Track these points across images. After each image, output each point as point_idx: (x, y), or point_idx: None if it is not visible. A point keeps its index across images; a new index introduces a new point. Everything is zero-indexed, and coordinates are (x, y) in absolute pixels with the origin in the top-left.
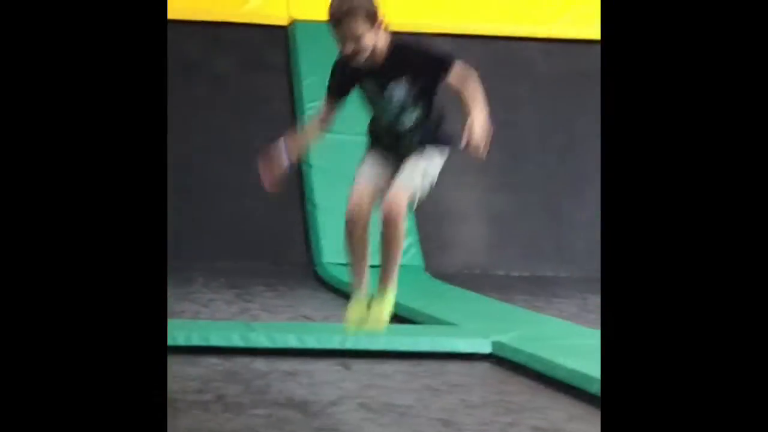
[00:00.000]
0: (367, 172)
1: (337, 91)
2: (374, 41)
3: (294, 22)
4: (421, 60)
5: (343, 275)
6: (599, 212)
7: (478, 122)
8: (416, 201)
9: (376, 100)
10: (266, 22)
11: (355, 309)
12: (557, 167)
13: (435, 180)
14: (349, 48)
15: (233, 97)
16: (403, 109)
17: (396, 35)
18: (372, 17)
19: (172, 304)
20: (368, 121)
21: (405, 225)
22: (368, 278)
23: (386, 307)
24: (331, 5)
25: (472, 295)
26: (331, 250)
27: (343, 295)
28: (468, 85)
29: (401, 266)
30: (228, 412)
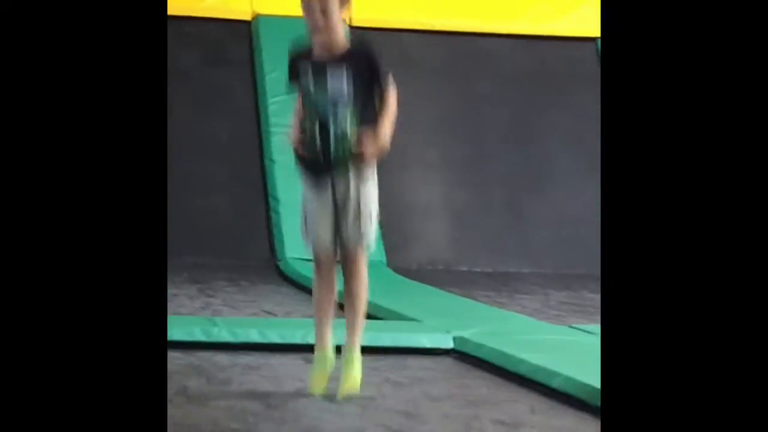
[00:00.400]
0: (314, 215)
1: (296, 80)
2: (339, 22)
3: (257, 17)
4: (369, 57)
5: (305, 270)
6: (562, 208)
7: (378, 134)
8: (372, 235)
9: (314, 89)
10: (229, 16)
11: (318, 374)
12: (521, 163)
13: (377, 205)
14: (314, 20)
15: (196, 91)
16: (337, 101)
17: (355, 32)
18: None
19: None
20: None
21: (367, 278)
22: (331, 338)
23: (358, 364)
24: None
25: (435, 290)
26: (294, 246)
27: (306, 290)
28: (388, 101)
29: None
30: (190, 404)
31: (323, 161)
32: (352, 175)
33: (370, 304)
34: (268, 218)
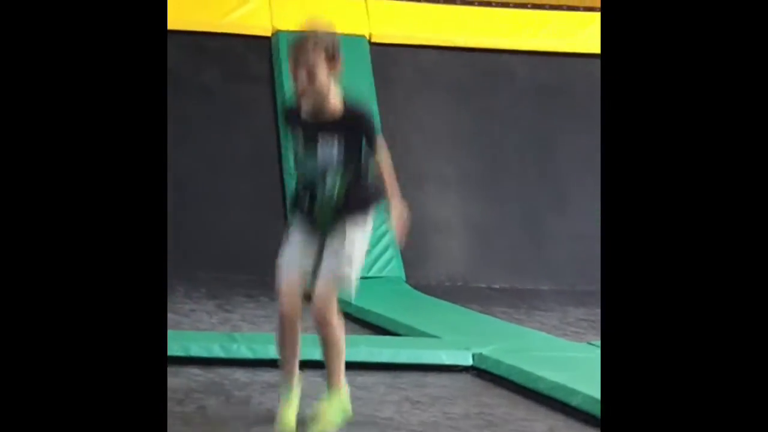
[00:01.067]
0: (293, 257)
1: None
2: (326, 81)
3: (277, 33)
4: (362, 124)
5: None
6: (580, 225)
7: (398, 215)
8: (352, 287)
9: (304, 153)
10: (250, 32)
11: (287, 412)
12: (538, 180)
13: (364, 255)
14: (302, 80)
15: (217, 106)
16: (327, 168)
17: (348, 99)
18: (330, 56)
19: None
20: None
21: (339, 322)
22: (298, 376)
23: (336, 406)
24: (295, 38)
25: (453, 306)
26: None
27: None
28: (386, 168)
29: (381, 278)
30: (209, 425)
31: (311, 221)
32: (339, 226)
33: (388, 320)
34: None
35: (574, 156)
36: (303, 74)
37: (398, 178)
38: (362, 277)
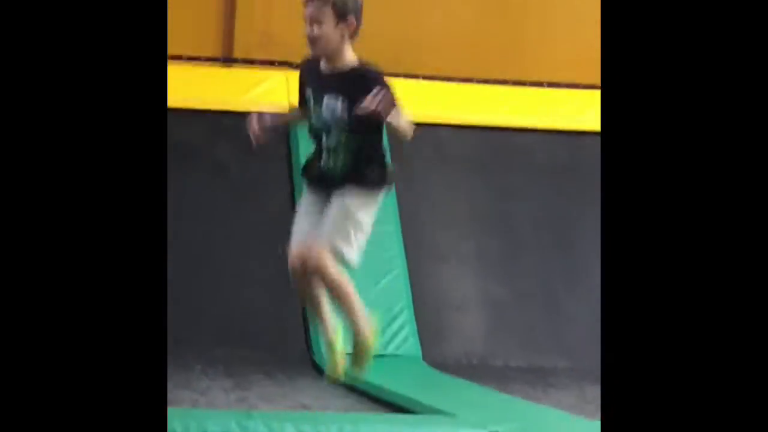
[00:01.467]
0: (301, 223)
1: (303, 99)
2: (334, 36)
3: (295, 110)
4: (367, 79)
5: None
6: (597, 302)
7: (376, 97)
8: (350, 249)
9: (313, 104)
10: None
11: (331, 359)
12: (555, 257)
13: (368, 227)
14: (310, 30)
15: (233, 184)
16: (331, 123)
17: (363, 61)
18: (341, 13)
19: (170, 391)
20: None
21: (337, 271)
22: (334, 325)
23: (363, 351)
24: None
25: (470, 384)
26: None
27: (342, 384)
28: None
29: (397, 356)
30: None
31: (318, 178)
32: (348, 191)
33: (404, 398)
34: (304, 311)
35: (591, 234)
36: (309, 26)
37: (415, 255)
38: (378, 355)
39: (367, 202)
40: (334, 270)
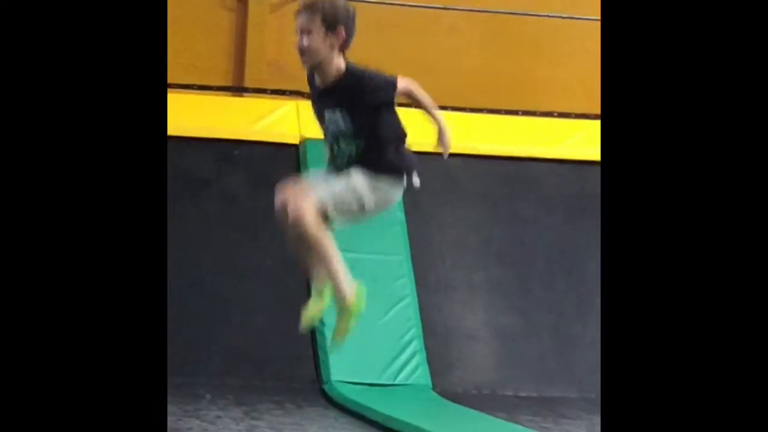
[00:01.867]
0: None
1: (315, 114)
2: (323, 47)
3: (305, 140)
4: (373, 84)
5: (352, 394)
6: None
7: (444, 126)
8: (337, 212)
9: (318, 117)
10: (277, 140)
11: (311, 307)
12: (565, 287)
13: (369, 206)
14: (299, 41)
15: (243, 213)
16: (337, 135)
17: (351, 64)
18: (330, 23)
19: (179, 421)
20: None
21: (316, 228)
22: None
23: (345, 317)
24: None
25: (480, 415)
26: (340, 369)
27: (352, 413)
28: (417, 92)
29: (407, 385)
30: None
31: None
32: (355, 169)
33: (414, 427)
34: (314, 340)
35: (600, 264)
36: (299, 36)
37: (425, 284)
38: (389, 385)
39: (372, 182)
40: (313, 226)
